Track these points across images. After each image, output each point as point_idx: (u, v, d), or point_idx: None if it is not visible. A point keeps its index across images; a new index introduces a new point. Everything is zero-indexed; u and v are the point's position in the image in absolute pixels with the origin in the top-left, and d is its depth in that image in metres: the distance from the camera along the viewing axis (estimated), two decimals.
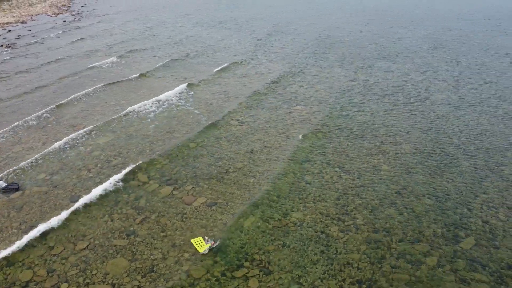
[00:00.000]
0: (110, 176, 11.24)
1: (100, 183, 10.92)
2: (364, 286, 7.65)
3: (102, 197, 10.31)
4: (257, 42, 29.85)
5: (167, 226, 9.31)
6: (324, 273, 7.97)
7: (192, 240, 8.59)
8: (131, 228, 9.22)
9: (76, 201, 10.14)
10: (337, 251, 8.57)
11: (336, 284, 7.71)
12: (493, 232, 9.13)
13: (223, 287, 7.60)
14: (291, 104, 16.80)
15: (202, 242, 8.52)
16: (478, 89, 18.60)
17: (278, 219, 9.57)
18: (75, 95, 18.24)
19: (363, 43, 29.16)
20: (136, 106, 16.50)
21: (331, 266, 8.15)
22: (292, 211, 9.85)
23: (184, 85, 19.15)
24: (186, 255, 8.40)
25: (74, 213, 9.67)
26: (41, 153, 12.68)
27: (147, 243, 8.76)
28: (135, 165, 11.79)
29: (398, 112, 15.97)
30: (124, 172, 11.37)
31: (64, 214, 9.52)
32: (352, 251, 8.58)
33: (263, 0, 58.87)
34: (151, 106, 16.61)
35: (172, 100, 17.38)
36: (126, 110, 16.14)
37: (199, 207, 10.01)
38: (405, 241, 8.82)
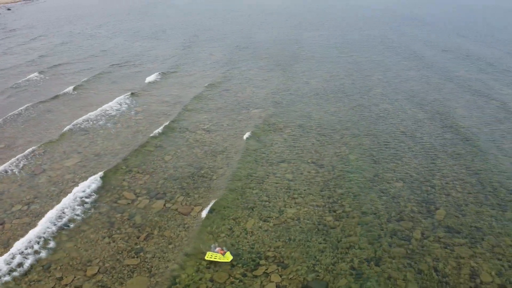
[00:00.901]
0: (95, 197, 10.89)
1: (87, 205, 10.55)
2: (372, 263, 8.60)
3: (95, 220, 10.01)
4: (186, 49, 30.05)
5: (173, 238, 9.41)
6: (333, 258, 8.77)
7: (207, 258, 8.67)
8: (138, 246, 9.16)
9: (68, 226, 9.72)
10: (337, 237, 9.43)
11: (347, 265, 8.55)
12: (457, 202, 10.73)
13: (250, 285, 8.02)
14: (248, 109, 17.45)
15: (215, 255, 8.67)
16: (406, 81, 21.04)
17: (276, 217, 10.17)
18: (8, 115, 16.97)
19: (289, 45, 30.87)
20: (85, 120, 15.91)
21: (337, 251, 8.98)
22: (286, 208, 10.53)
23: (127, 95, 18.87)
24: (204, 262, 8.62)
25: (70, 239, 9.30)
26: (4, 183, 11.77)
27: (160, 257, 8.80)
28: (117, 184, 11.54)
29: (346, 107, 17.51)
30: (109, 193, 11.09)
31: (60, 241, 9.11)
32: (350, 235, 9.51)
33: (178, 9, 58.55)
34: (101, 119, 16.14)
35: (121, 111, 17.04)
36: (78, 125, 15.50)
37: (198, 216, 10.22)
38: (391, 221, 10.00)
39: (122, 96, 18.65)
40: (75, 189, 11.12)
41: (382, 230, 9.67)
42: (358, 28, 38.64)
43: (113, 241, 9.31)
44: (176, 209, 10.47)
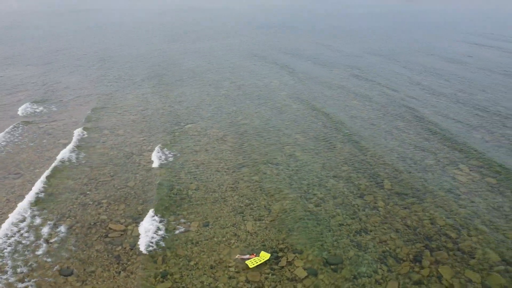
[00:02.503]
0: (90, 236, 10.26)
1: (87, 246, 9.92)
2: (363, 233, 10.46)
3: (96, 259, 9.57)
4: (95, 72, 27.99)
5: (190, 255, 9.70)
6: (333, 236, 10.36)
7: (252, 266, 9.21)
8: (160, 270, 9.21)
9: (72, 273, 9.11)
10: (325, 219, 11.04)
11: (346, 239, 10.23)
12: (394, 173, 13.44)
13: (282, 275, 9.04)
14: (180, 124, 17.77)
15: (254, 260, 9.34)
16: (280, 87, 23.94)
17: (267, 215, 11.27)
18: None
19: (187, 61, 31.40)
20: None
21: (332, 230, 10.59)
22: (270, 205, 11.69)
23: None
24: (232, 269, 9.26)
25: (84, 285, 8.82)
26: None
27: (188, 275, 9.07)
28: (107, 216, 11.00)
29: (268, 112, 19.28)
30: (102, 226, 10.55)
31: None
32: (334, 215, 11.22)
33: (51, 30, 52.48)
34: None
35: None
36: None
37: (199, 230, 10.63)
38: (358, 198, 12.07)
39: None
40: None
41: (355, 206, 11.64)
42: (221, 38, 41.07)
43: (131, 273, 9.15)
44: (174, 229, 10.65)
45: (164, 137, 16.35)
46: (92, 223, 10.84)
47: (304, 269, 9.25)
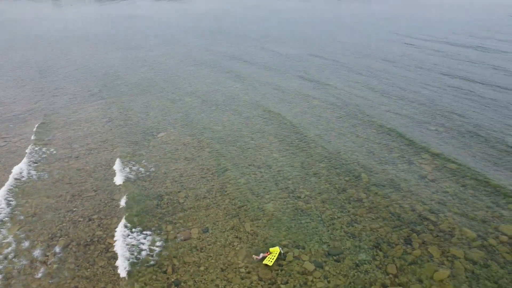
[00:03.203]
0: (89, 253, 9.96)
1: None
2: (354, 224, 11.26)
3: (103, 275, 9.38)
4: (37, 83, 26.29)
5: (198, 261, 9.86)
6: (328, 230, 11.05)
7: (270, 264, 9.58)
8: (172, 280, 9.28)
9: None
10: (317, 215, 11.71)
11: (340, 231, 10.96)
12: (368, 167, 14.47)
13: (292, 270, 9.53)
14: (152, 134, 17.58)
15: (269, 258, 9.71)
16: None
17: (263, 215, 11.69)
18: None
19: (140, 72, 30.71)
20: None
21: (326, 224, 11.28)
22: (264, 206, 12.13)
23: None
24: (242, 269, 9.58)
25: None
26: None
27: (201, 281, 9.25)
28: (102, 231, 10.70)
29: (236, 117, 19.66)
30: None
31: None
32: (324, 210, 11.93)
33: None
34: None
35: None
36: None
37: (200, 236, 10.79)
38: (341, 192, 12.89)
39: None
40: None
41: (341, 200, 12.45)
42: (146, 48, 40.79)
43: (144, 284, 9.12)
44: (175, 238, 10.71)
45: (139, 148, 16.12)
46: (88, 240, 10.56)
47: (311, 262, 9.82)
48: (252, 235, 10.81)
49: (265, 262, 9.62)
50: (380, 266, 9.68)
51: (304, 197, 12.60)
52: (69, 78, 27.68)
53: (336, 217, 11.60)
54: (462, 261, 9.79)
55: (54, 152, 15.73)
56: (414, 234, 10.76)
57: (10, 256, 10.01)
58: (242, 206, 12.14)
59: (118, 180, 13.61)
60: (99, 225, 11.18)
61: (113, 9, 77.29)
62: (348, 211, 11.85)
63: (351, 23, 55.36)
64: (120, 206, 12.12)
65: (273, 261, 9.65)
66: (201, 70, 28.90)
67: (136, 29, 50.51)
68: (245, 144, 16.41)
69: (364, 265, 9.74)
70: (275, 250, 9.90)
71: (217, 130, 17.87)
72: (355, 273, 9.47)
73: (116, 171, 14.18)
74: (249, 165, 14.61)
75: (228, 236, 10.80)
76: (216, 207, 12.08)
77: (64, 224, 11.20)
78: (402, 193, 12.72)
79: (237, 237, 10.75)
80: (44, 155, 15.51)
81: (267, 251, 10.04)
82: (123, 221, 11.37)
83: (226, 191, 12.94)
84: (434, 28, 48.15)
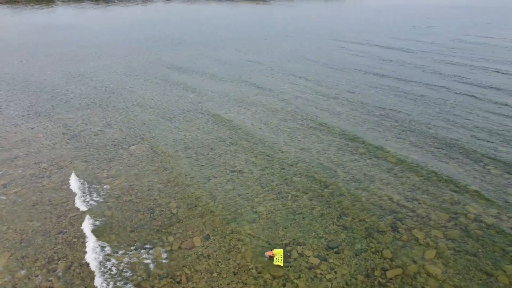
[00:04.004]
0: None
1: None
2: (343, 217, 12.16)
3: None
4: None
5: (209, 268, 10.08)
6: (322, 225, 11.82)
7: (279, 262, 10.09)
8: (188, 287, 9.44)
9: None
10: (308, 212, 12.46)
11: (333, 225, 11.79)
12: (341, 163, 15.55)
13: (300, 265, 10.14)
14: (124, 147, 17.21)
15: (276, 257, 10.21)
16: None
17: (258, 216, 12.18)
18: None
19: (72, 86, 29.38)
20: None
21: (318, 220, 12.06)
22: (256, 208, 12.61)
23: None
24: (253, 270, 9.99)
25: None
26: None
27: (218, 286, 9.51)
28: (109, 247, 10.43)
29: (203, 125, 19.85)
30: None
31: None
32: (313, 207, 12.71)
33: None
34: None
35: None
36: None
37: (203, 244, 11.00)
38: (324, 188, 13.76)
39: None
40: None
41: (326, 196, 13.31)
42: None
43: None
44: (179, 248, 10.81)
45: (114, 162, 15.74)
46: (90, 260, 10.29)
47: (315, 257, 10.50)
48: (253, 237, 11.24)
49: (276, 263, 10.11)
50: (376, 252, 10.63)
51: (291, 196, 13.28)
52: (4, 94, 25.85)
53: (325, 212, 12.42)
54: (443, 240, 11.07)
55: (22, 173, 14.83)
56: (398, 221, 11.91)
57: (7, 287, 9.46)
58: (236, 210, 12.51)
59: (103, 197, 13.27)
60: (95, 242, 10.90)
61: (34, 18, 72.56)
62: (335, 206, 12.73)
63: (281, 26, 57.56)
64: (114, 223, 11.89)
65: (283, 260, 10.18)
66: (148, 82, 28.47)
67: (68, 40, 48.12)
68: (220, 151, 16.73)
69: (362, 253, 10.63)
70: (279, 252, 10.43)
71: (189, 140, 17.96)
72: (357, 262, 10.32)
73: (98, 188, 13.79)
74: (231, 171, 14.99)
75: (230, 240, 11.13)
76: (211, 214, 12.33)
77: (59, 247, 10.76)
78: (378, 185, 13.90)
79: (239, 240, 11.11)
80: (11, 178, 14.56)
81: (270, 250, 10.55)
82: (120, 237, 11.19)
83: (216, 198, 13.21)
84: (368, 32, 51.86)
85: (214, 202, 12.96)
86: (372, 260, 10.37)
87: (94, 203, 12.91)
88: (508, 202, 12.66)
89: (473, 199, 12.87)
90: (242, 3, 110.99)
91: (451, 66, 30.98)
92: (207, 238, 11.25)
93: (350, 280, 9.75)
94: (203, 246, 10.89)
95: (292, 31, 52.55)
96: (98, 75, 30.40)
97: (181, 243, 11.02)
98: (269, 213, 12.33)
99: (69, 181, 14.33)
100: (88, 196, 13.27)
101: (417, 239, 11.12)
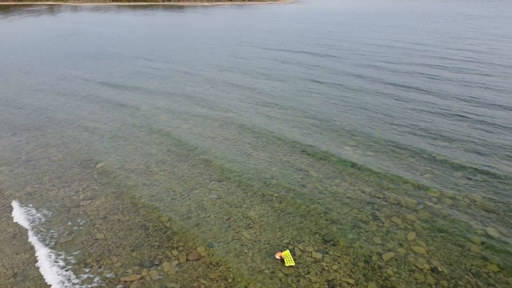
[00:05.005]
0: None
1: None
2: (329, 211, 13.20)
3: None
4: None
5: (222, 275, 10.39)
6: (312, 222, 12.72)
7: (291, 263, 10.67)
8: None
9: None
10: (295, 211, 13.27)
11: (322, 219, 12.75)
12: (312, 163, 16.66)
13: (305, 261, 10.92)
14: (90, 166, 16.50)
15: (286, 259, 10.81)
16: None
17: (252, 222, 12.70)
18: None
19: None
20: None
21: (307, 218, 12.94)
22: (247, 213, 13.12)
23: None
24: (266, 271, 10.54)
25: None
26: None
27: None
28: (112, 273, 10.12)
29: (164, 136, 19.71)
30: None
31: None
32: (299, 206, 13.54)
33: None
34: None
35: None
36: None
37: (209, 253, 11.25)
38: (304, 188, 14.71)
39: None
40: None
41: (306, 194, 14.26)
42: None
43: None
44: (187, 260, 10.95)
45: (86, 182, 15.08)
46: (97, 282, 10.00)
47: (316, 252, 11.37)
48: (254, 241, 11.76)
49: (288, 264, 10.75)
50: (368, 240, 11.82)
51: (276, 199, 14.02)
52: None
53: (311, 209, 13.36)
54: (418, 222, 12.63)
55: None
56: (377, 211, 13.27)
57: None
58: (229, 218, 12.91)
59: (89, 219, 12.76)
60: (101, 267, 10.59)
61: None
62: (318, 202, 13.74)
63: (203, 35, 58.19)
64: (110, 245, 11.57)
65: (292, 260, 10.87)
66: (85, 101, 27.29)
67: None
68: (191, 161, 16.88)
69: (356, 242, 11.74)
70: (287, 253, 11.10)
71: (157, 152, 17.81)
72: (354, 250, 11.39)
73: (79, 212, 13.20)
74: (211, 180, 15.28)
75: (234, 246, 11.53)
76: (206, 224, 12.58)
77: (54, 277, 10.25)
78: (347, 180, 15.21)
79: (243, 245, 11.57)
80: None
81: (280, 251, 11.19)
82: (123, 258, 10.98)
83: (205, 208, 13.45)
84: (285, 38, 54.44)
85: (205, 212, 13.20)
86: (366, 247, 11.52)
87: (81, 227, 12.39)
88: (457, 184, 14.75)
89: (430, 185, 14.74)
90: (157, 11, 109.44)
91: (363, 68, 34.29)
92: (211, 246, 11.51)
93: (353, 267, 10.77)
94: (210, 255, 11.15)
95: (214, 39, 53.47)
96: (23, 97, 28.20)
97: (187, 255, 11.16)
98: (262, 217, 12.93)
99: (41, 208, 13.48)
100: (70, 222, 12.67)
101: (397, 224, 12.54)
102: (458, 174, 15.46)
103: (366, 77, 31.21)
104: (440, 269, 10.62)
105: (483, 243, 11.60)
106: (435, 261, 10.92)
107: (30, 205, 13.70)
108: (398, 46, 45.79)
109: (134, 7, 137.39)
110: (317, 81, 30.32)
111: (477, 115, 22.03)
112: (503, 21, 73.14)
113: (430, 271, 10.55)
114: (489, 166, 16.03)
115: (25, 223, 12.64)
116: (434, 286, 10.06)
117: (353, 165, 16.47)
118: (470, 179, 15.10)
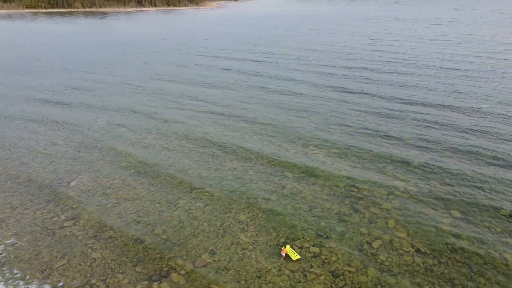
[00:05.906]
0: None
1: None
2: (313, 209, 14.09)
3: None
4: None
5: (233, 278, 10.73)
6: (301, 219, 13.49)
7: (296, 258, 11.29)
8: None
9: None
10: (284, 211, 13.94)
11: (309, 216, 13.60)
12: (287, 165, 17.48)
13: (306, 256, 11.65)
14: (62, 185, 15.70)
15: (291, 253, 11.41)
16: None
17: (246, 226, 13.15)
18: None
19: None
20: None
21: (296, 216, 13.69)
22: (238, 217, 13.54)
23: None
24: (274, 270, 11.09)
25: None
26: None
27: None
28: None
29: (136, 147, 19.28)
30: None
31: None
32: (285, 205, 14.26)
33: None
34: None
35: None
36: None
37: (213, 258, 11.51)
38: (285, 189, 15.44)
39: None
40: None
41: (289, 195, 15.02)
42: None
43: None
44: (194, 267, 11.12)
45: (63, 202, 14.37)
46: None
47: (313, 246, 12.16)
48: (254, 244, 12.24)
49: (295, 258, 11.40)
50: (355, 231, 12.88)
51: (261, 199, 14.60)
52: None
53: (297, 207, 14.15)
54: (393, 210, 13.99)
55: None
56: (355, 204, 14.43)
57: None
58: (222, 224, 13.23)
59: (78, 239, 12.29)
60: (107, 286, 10.37)
61: None
62: (301, 201, 14.57)
63: (134, 42, 56.98)
64: (110, 263, 11.31)
65: (294, 252, 11.54)
66: (32, 122, 25.62)
67: None
68: (168, 171, 16.84)
69: (346, 234, 12.74)
70: (288, 249, 11.74)
71: (129, 166, 17.44)
72: (346, 242, 12.37)
73: (65, 233, 12.63)
74: (192, 190, 15.41)
75: (236, 250, 11.92)
76: (202, 232, 12.78)
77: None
78: (322, 178, 16.25)
79: (244, 249, 11.99)
80: None
81: (283, 246, 11.82)
82: (127, 275, 10.83)
83: (195, 216, 13.62)
84: (221, 44, 55.17)
85: (197, 221, 13.36)
86: (356, 237, 12.56)
87: (73, 249, 11.90)
88: (416, 173, 16.50)
89: (394, 176, 16.30)
90: (78, 18, 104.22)
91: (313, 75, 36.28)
92: (213, 253, 11.77)
93: (350, 256, 11.72)
94: (215, 261, 11.42)
95: (146, 47, 52.68)
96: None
97: (193, 263, 11.30)
98: (253, 219, 13.43)
99: (22, 234, 12.66)
100: (59, 245, 12.11)
101: (376, 214, 13.77)
102: (413, 165, 17.25)
103: (306, 81, 32.97)
104: (422, 250, 11.97)
105: (451, 223, 13.23)
106: (417, 243, 12.27)
107: (6, 233, 12.80)
108: (326, 50, 48.78)
109: (50, 14, 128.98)
110: (263, 87, 31.43)
111: (414, 112, 24.52)
112: (419, 24, 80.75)
113: (415, 252, 11.86)
114: (437, 157, 18.08)
115: (4, 254, 11.84)
116: (422, 265, 11.35)
117: (323, 163, 17.58)
118: (424, 169, 16.93)
